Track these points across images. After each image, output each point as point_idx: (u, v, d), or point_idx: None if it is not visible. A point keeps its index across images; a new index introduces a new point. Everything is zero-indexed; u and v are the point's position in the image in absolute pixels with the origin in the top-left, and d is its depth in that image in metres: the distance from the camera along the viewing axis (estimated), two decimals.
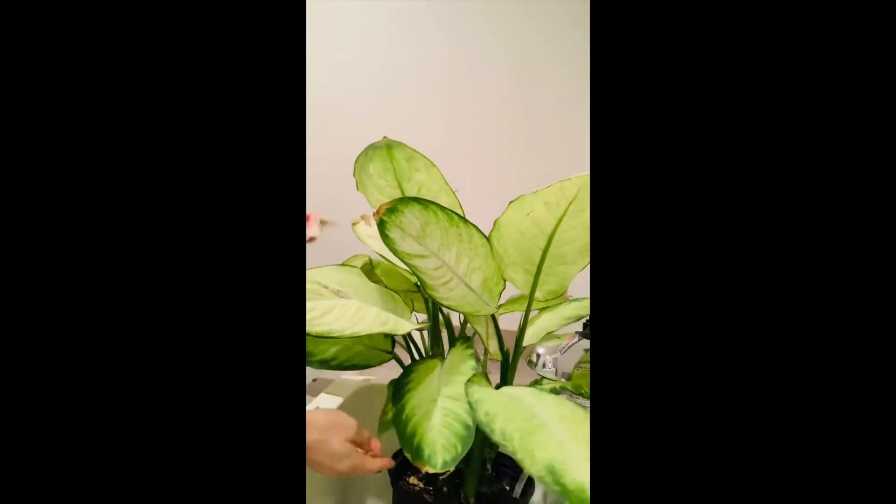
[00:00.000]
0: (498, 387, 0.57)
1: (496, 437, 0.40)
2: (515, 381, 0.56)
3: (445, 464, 0.40)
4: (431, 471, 0.40)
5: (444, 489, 0.58)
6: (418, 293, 0.65)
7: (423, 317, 0.65)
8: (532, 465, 0.37)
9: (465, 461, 0.56)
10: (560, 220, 0.50)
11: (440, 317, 0.63)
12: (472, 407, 0.43)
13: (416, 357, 0.63)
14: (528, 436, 0.39)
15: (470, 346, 0.55)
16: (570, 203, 0.49)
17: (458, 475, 0.58)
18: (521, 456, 0.38)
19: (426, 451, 0.41)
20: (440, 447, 0.42)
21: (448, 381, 0.50)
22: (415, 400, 0.47)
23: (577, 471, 0.36)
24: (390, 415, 0.53)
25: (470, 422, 0.43)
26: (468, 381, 0.46)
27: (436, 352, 0.63)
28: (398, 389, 0.51)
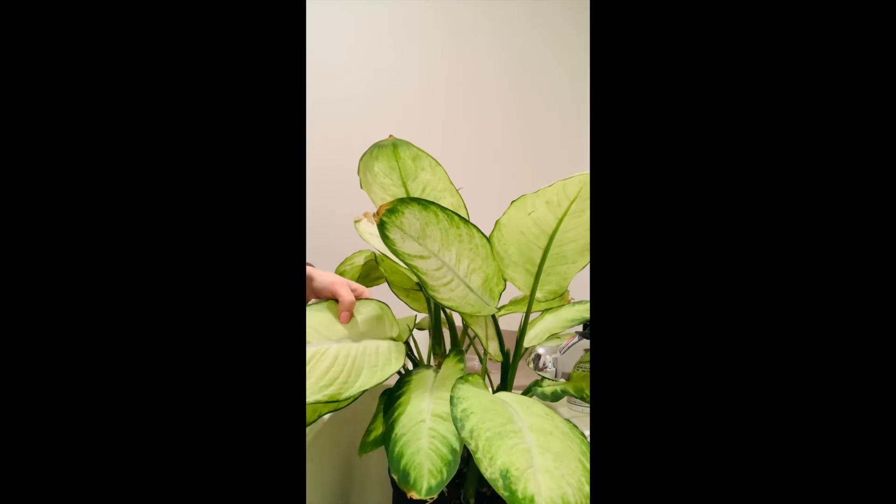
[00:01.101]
0: (498, 388, 0.56)
1: (464, 434, 0.39)
2: (516, 381, 0.56)
3: (430, 489, 0.40)
4: (417, 497, 0.40)
5: (445, 490, 0.58)
6: (420, 292, 0.65)
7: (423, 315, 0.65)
8: (488, 467, 0.37)
9: (466, 462, 0.56)
10: (561, 220, 0.49)
11: (442, 316, 0.63)
12: (452, 403, 0.42)
13: (417, 357, 0.63)
14: (494, 438, 0.39)
15: (461, 360, 0.54)
16: (572, 202, 0.48)
17: (459, 476, 0.58)
18: (479, 456, 0.38)
19: (412, 476, 0.41)
20: (426, 472, 0.41)
21: (438, 398, 0.49)
22: (404, 418, 0.47)
23: (533, 482, 0.36)
24: (373, 435, 0.53)
25: (457, 445, 0.43)
26: (459, 379, 0.46)
27: (437, 352, 0.63)
28: (389, 404, 0.50)
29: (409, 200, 0.48)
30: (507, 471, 0.37)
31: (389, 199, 0.57)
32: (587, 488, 0.37)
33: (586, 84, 1.29)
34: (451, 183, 0.62)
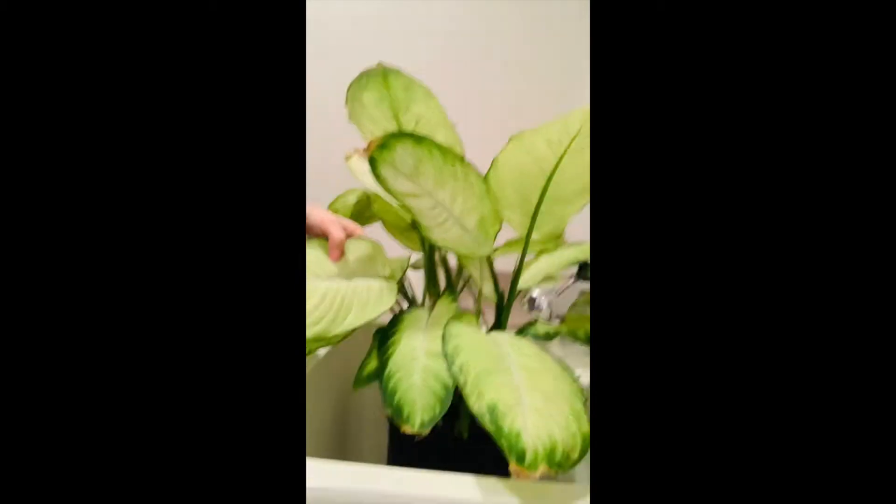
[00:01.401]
0: (491, 328, 0.56)
1: (453, 370, 0.40)
2: (511, 322, 0.56)
3: (423, 424, 0.40)
4: (410, 431, 0.40)
5: (440, 423, 0.59)
6: (415, 231, 0.64)
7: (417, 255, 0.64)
8: (476, 402, 0.37)
9: (460, 399, 0.57)
10: (561, 158, 0.47)
11: (437, 256, 0.62)
12: (444, 340, 0.42)
13: (412, 297, 0.62)
14: (484, 375, 0.39)
15: (455, 300, 0.54)
16: (573, 139, 0.46)
17: (454, 410, 0.59)
18: (468, 391, 0.38)
19: (405, 411, 0.41)
20: (419, 408, 0.42)
21: (431, 336, 0.49)
22: (397, 355, 0.47)
23: (521, 418, 0.36)
24: (367, 369, 0.53)
25: (449, 382, 0.43)
26: (452, 318, 0.45)
27: (432, 292, 0.62)
28: (383, 341, 0.50)
29: (402, 135, 0.45)
30: (495, 406, 0.37)
31: (380, 133, 0.55)
32: (575, 428, 0.38)
33: (586, 84, 1.21)
34: (446, 116, 0.59)
